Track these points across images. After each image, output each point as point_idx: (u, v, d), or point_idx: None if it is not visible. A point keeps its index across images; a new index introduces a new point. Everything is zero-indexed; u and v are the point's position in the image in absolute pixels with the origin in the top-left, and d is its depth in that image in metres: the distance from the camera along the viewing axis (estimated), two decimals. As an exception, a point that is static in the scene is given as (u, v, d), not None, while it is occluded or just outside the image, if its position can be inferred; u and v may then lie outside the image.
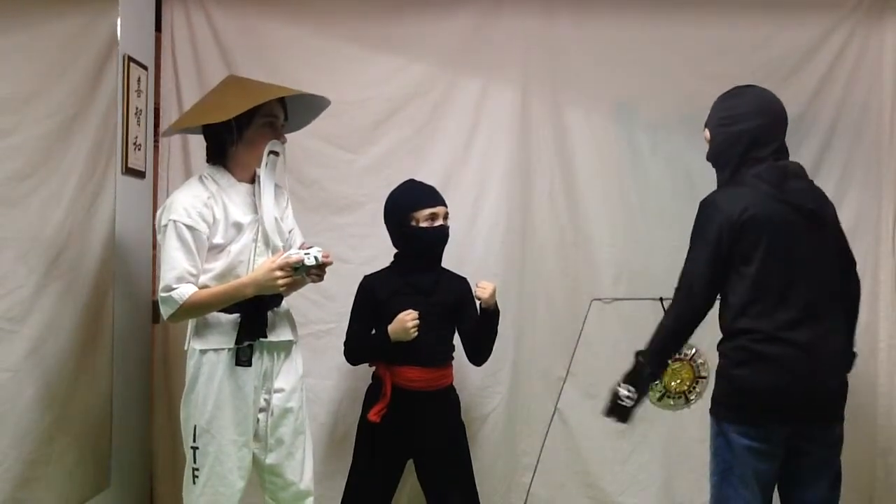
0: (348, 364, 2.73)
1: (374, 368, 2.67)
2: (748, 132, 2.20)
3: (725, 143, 2.23)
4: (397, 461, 2.67)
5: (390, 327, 2.55)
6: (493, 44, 3.09)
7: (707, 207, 2.22)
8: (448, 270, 2.73)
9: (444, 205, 2.65)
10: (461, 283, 2.73)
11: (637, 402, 2.29)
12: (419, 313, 2.55)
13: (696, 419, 3.10)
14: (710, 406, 2.25)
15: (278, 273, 2.23)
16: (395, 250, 2.71)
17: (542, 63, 3.10)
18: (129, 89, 2.79)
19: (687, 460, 3.10)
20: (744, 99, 2.26)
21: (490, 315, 2.64)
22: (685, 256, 2.24)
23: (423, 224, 2.59)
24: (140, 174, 2.93)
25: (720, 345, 2.23)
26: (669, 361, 3.00)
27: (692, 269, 2.20)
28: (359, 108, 3.08)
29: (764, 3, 3.08)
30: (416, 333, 2.54)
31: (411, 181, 2.71)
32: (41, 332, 2.29)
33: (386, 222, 2.68)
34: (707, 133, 2.32)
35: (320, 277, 2.34)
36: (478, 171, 3.10)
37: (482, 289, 2.61)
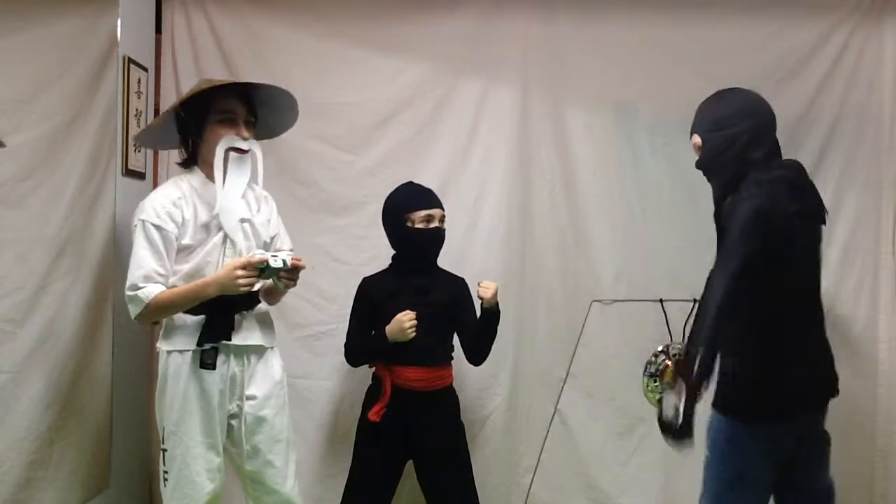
0: (348, 365, 2.73)
1: (373, 369, 2.68)
2: (743, 133, 2.17)
3: (720, 146, 2.20)
4: (397, 462, 2.67)
5: (388, 328, 2.56)
6: (493, 45, 3.09)
7: (749, 213, 2.09)
8: (445, 271, 2.74)
9: (441, 207, 2.66)
10: (458, 284, 2.73)
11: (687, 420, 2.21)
12: (417, 314, 2.55)
13: (695, 421, 3.10)
14: (718, 407, 2.20)
15: (239, 272, 2.18)
16: (393, 252, 2.71)
17: (542, 64, 3.10)
18: (129, 91, 2.80)
19: (687, 462, 3.08)
20: (732, 101, 2.24)
21: (491, 315, 2.64)
22: (715, 256, 2.17)
23: (419, 225, 2.61)
24: (140, 175, 2.93)
25: (732, 344, 2.17)
26: (670, 362, 3.01)
27: (728, 277, 2.08)
28: (359, 109, 3.08)
29: (764, 4, 3.07)
30: (414, 334, 2.54)
31: (409, 183, 2.72)
32: (41, 334, 2.30)
33: (383, 223, 2.69)
34: (697, 139, 2.28)
35: (293, 282, 2.30)
36: (478, 172, 3.10)
37: (484, 288, 2.61)
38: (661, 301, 3.05)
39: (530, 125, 3.10)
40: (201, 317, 2.26)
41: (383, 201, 2.70)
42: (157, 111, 3.05)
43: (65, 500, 2.44)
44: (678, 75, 3.07)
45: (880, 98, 3.07)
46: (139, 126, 2.87)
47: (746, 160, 2.16)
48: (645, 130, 3.10)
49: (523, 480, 3.10)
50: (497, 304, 2.64)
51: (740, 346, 2.17)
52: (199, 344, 2.25)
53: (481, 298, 2.62)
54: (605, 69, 3.08)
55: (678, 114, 3.04)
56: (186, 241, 2.26)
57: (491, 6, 3.10)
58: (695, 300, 2.96)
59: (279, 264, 2.22)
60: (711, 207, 3.04)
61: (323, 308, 3.03)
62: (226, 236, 2.30)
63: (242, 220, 2.32)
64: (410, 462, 2.69)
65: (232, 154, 2.28)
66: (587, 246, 3.12)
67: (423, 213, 2.61)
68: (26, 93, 2.24)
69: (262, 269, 2.21)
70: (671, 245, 3.07)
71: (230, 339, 2.30)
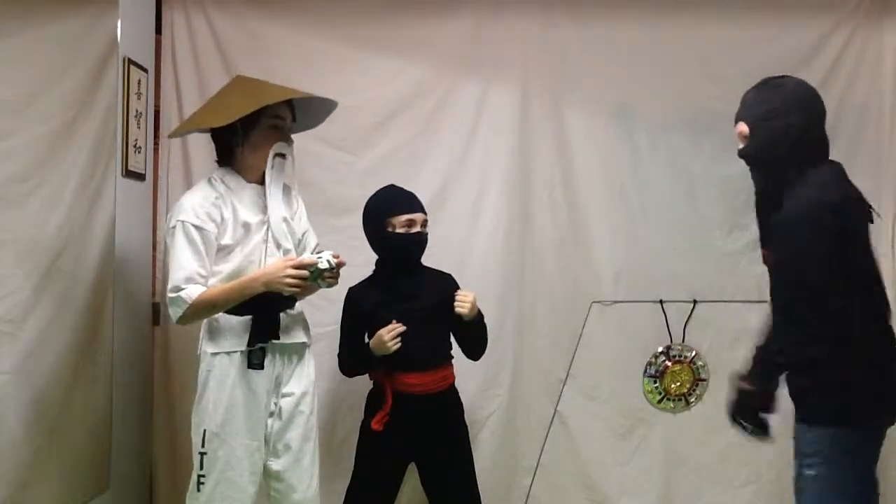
0: (347, 370, 2.73)
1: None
2: (797, 125, 2.08)
3: (771, 137, 2.09)
4: (400, 466, 2.65)
5: (371, 343, 2.53)
6: (493, 46, 3.09)
7: (822, 206, 2.04)
8: (432, 270, 2.69)
9: (423, 211, 2.61)
10: (447, 281, 2.68)
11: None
12: (402, 322, 2.51)
13: (696, 422, 3.10)
14: (836, 415, 2.01)
15: (291, 271, 2.20)
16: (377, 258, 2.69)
17: (542, 65, 3.10)
18: (129, 92, 2.80)
19: (687, 463, 3.09)
20: (786, 90, 2.13)
21: (473, 324, 2.60)
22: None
23: (400, 230, 2.55)
24: (140, 177, 2.93)
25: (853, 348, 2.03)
26: (670, 363, 3.01)
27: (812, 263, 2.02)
28: (359, 110, 3.07)
29: (764, 4, 3.08)
30: (397, 346, 2.49)
31: (390, 186, 2.67)
32: (40, 335, 2.29)
33: (364, 228, 2.65)
34: (744, 127, 2.15)
35: (335, 280, 2.31)
36: (478, 173, 3.10)
37: (461, 304, 2.54)
38: (661, 302, 3.05)
39: (530, 126, 3.10)
40: (247, 317, 2.26)
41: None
42: (157, 112, 3.05)
43: (64, 501, 2.43)
44: (678, 75, 3.08)
45: (880, 98, 3.08)
46: (139, 127, 2.88)
47: (799, 153, 2.07)
48: (645, 130, 3.10)
49: (523, 481, 3.09)
50: (478, 311, 2.59)
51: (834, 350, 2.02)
52: (250, 344, 2.25)
53: (460, 315, 2.55)
54: (605, 69, 3.09)
55: (678, 115, 3.07)
56: (226, 240, 2.27)
57: (491, 7, 3.10)
58: (695, 301, 2.99)
59: (325, 265, 2.24)
60: (711, 208, 3.08)
61: (323, 309, 3.01)
62: (266, 235, 2.31)
63: (283, 219, 2.35)
64: (411, 465, 2.68)
65: (277, 159, 2.31)
66: (587, 246, 3.12)
67: (405, 217, 2.56)
68: (26, 94, 2.23)
69: (311, 272, 2.23)
70: (671, 246, 3.08)
71: (279, 338, 2.30)
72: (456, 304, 2.56)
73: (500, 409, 3.07)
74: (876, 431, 2.06)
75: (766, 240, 2.22)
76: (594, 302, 3.09)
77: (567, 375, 3.08)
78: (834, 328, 1.99)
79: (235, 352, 2.26)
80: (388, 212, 2.57)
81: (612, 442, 3.10)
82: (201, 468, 2.25)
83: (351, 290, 2.67)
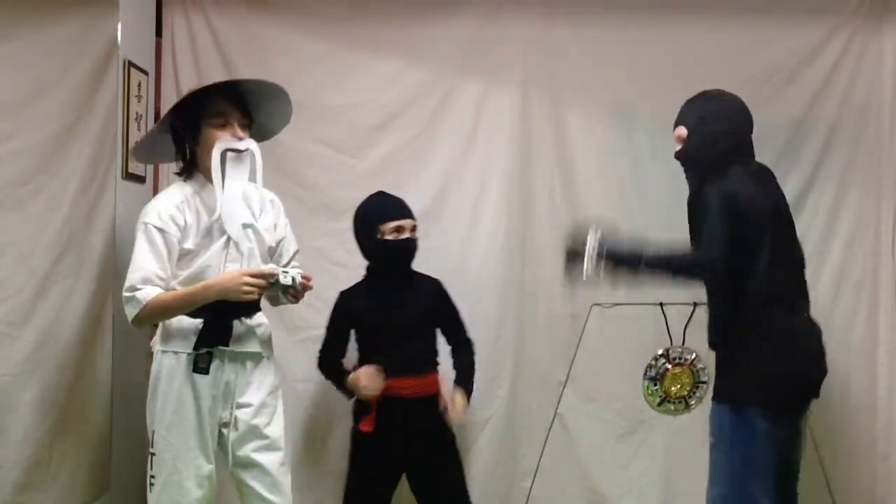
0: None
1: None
2: (728, 132, 2.31)
3: (705, 141, 2.32)
4: (394, 471, 2.66)
5: (349, 378, 2.58)
6: (493, 47, 3.09)
7: (727, 194, 2.24)
8: (420, 274, 2.71)
9: (412, 217, 2.63)
10: (433, 285, 2.72)
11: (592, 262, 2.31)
12: (395, 327, 2.56)
13: (696, 424, 3.08)
14: (728, 395, 2.28)
15: (247, 279, 2.16)
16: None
17: (542, 66, 3.10)
18: (129, 94, 2.80)
19: (688, 465, 3.08)
20: (720, 102, 2.37)
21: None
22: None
23: (389, 237, 2.58)
24: (140, 179, 2.94)
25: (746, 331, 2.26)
26: (670, 366, 3.01)
27: (717, 246, 2.21)
28: (359, 111, 3.08)
29: (764, 6, 3.08)
30: (367, 397, 2.55)
31: (379, 193, 2.69)
32: (41, 336, 2.29)
33: (354, 234, 2.67)
34: (683, 130, 2.37)
35: (296, 300, 2.29)
36: (478, 175, 3.10)
37: (457, 413, 2.61)
38: (660, 304, 3.05)
39: (530, 127, 3.10)
40: (199, 320, 2.25)
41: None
42: (157, 115, 3.05)
43: (64, 503, 2.43)
44: (678, 77, 3.06)
45: (880, 99, 3.07)
46: (139, 130, 2.88)
47: (727, 157, 2.29)
48: (645, 131, 3.09)
49: (523, 484, 3.09)
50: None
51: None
52: (196, 347, 2.24)
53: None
54: (604, 70, 3.09)
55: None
56: (188, 245, 2.24)
57: (491, 10, 3.10)
58: (695, 303, 2.98)
59: (288, 282, 2.21)
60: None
61: (321, 311, 2.99)
62: (227, 241, 2.27)
63: (245, 226, 2.29)
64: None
65: (229, 155, 2.25)
66: (587, 247, 3.11)
67: (393, 224, 2.58)
68: (27, 96, 2.24)
69: (272, 283, 2.20)
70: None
71: (227, 345, 2.27)
72: (453, 414, 2.61)
73: (499, 411, 3.07)
74: (777, 416, 2.21)
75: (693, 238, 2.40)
76: (594, 304, 3.09)
77: (567, 377, 3.08)
78: (734, 311, 2.26)
79: (182, 353, 2.24)
80: (376, 218, 2.60)
81: (612, 444, 3.10)
82: (151, 468, 2.24)
83: (342, 293, 2.70)
